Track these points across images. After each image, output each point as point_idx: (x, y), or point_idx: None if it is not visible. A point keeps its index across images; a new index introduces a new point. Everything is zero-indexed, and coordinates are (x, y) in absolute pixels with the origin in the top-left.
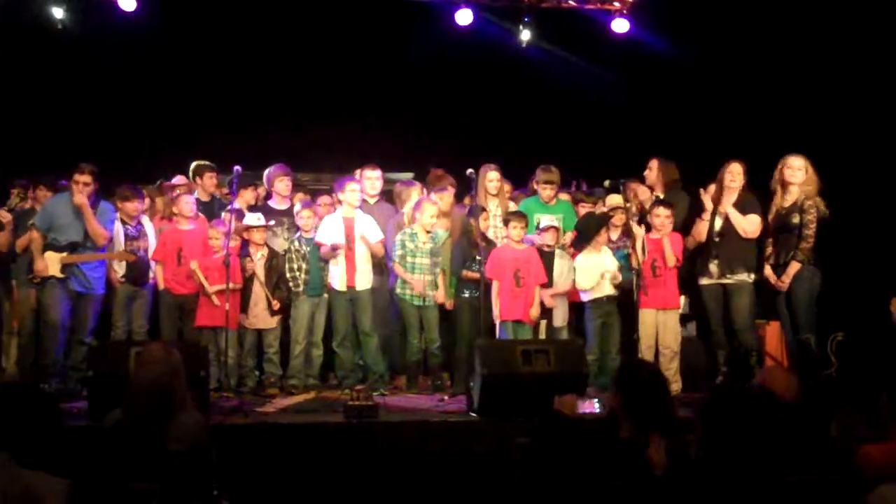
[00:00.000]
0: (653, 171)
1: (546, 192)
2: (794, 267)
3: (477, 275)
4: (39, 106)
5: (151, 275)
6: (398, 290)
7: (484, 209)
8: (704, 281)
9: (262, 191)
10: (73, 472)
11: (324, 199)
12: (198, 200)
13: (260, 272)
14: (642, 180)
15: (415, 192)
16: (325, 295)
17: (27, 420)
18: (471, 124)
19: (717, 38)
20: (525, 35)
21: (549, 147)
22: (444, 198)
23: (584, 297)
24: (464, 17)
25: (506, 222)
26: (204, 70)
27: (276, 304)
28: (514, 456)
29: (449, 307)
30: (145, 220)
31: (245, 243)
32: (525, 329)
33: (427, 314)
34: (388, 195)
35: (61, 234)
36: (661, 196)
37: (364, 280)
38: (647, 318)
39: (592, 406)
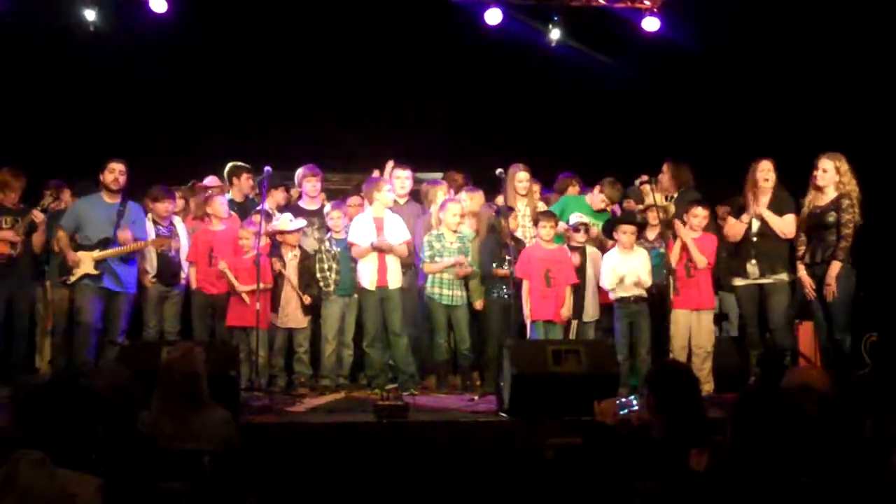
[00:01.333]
0: (665, 173)
1: (602, 204)
2: (836, 267)
3: (506, 272)
4: (71, 107)
5: (183, 275)
6: (427, 290)
7: (512, 209)
8: (740, 281)
9: (295, 192)
10: (105, 471)
11: (353, 200)
12: (231, 201)
13: (292, 273)
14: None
15: (441, 192)
16: (356, 295)
17: (66, 418)
18: (499, 124)
19: (749, 36)
20: (554, 34)
21: (578, 146)
22: (475, 198)
23: (612, 297)
24: (493, 16)
25: (535, 222)
26: (234, 71)
27: (308, 299)
28: (547, 457)
29: (478, 307)
30: (177, 220)
31: (275, 243)
32: (556, 329)
33: (456, 314)
34: (417, 195)
35: (91, 233)
36: (675, 196)
37: (395, 279)
38: (680, 319)
39: (631, 404)
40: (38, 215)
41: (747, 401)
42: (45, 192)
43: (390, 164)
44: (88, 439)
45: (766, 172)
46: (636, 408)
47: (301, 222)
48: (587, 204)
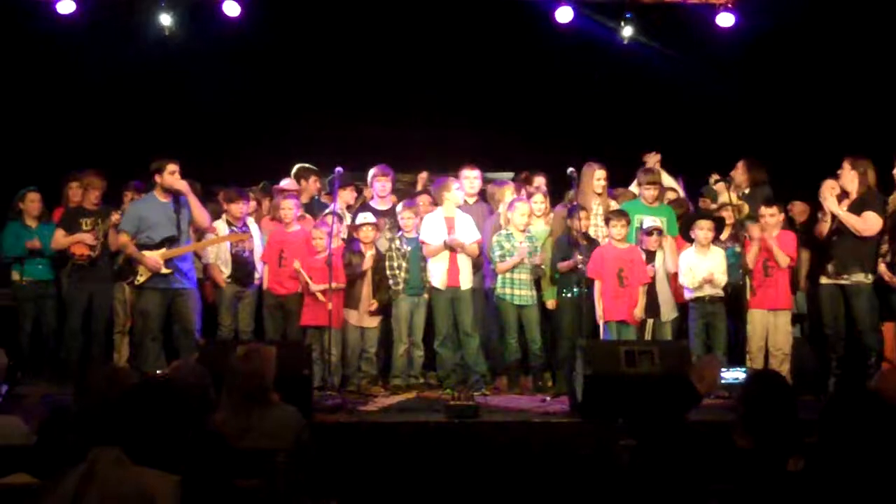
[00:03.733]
0: (739, 170)
1: (649, 192)
2: None
3: (572, 263)
4: (148, 110)
5: (257, 275)
6: (498, 290)
7: (584, 208)
8: (823, 280)
9: (369, 192)
10: (182, 469)
11: (423, 199)
12: None
13: (368, 272)
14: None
15: (508, 192)
16: (426, 294)
17: (158, 417)
18: (569, 122)
19: (827, 30)
20: (626, 31)
21: (649, 145)
22: (539, 200)
23: (687, 296)
24: (564, 14)
25: (607, 221)
26: (306, 73)
27: (374, 305)
28: (619, 458)
29: (551, 306)
30: (250, 221)
31: (348, 243)
32: (629, 329)
33: (527, 314)
34: (485, 195)
35: (154, 233)
36: (746, 192)
37: (466, 280)
38: (757, 319)
39: (738, 375)
40: (116, 217)
41: (837, 404)
42: (126, 194)
43: (424, 174)
44: (174, 439)
45: (844, 171)
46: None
47: (370, 217)
48: (643, 205)
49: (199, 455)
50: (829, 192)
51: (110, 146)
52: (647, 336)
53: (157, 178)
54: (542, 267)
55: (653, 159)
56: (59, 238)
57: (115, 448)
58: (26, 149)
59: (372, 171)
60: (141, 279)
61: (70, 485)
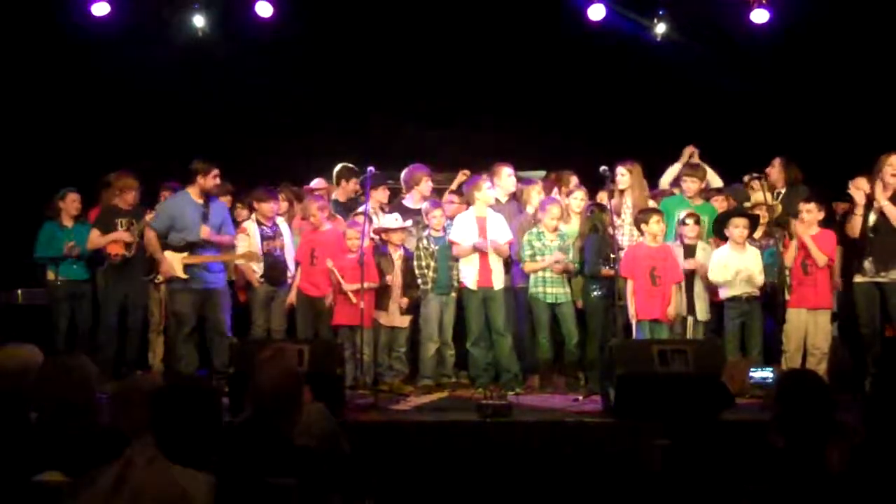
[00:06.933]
0: (775, 168)
1: (693, 186)
2: None
3: (612, 272)
4: (179, 110)
5: (290, 275)
6: (531, 289)
7: (604, 207)
8: (858, 279)
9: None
10: (215, 468)
11: (454, 198)
12: (336, 201)
13: (398, 272)
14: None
15: (535, 191)
16: (454, 294)
17: (191, 416)
18: (600, 121)
19: (864, 26)
20: (660, 28)
21: (681, 142)
22: (580, 197)
23: (722, 295)
24: (597, 12)
25: (640, 220)
26: (337, 73)
27: (405, 302)
28: (652, 458)
29: (579, 306)
30: (281, 221)
31: (377, 244)
32: (662, 328)
33: (562, 311)
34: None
35: (189, 233)
36: (782, 192)
37: (499, 280)
38: (796, 318)
39: (766, 378)
40: (150, 216)
41: (881, 403)
42: (164, 193)
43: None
44: (210, 439)
45: (894, 167)
46: (770, 381)
47: (406, 222)
48: (685, 200)
49: (233, 454)
50: (865, 184)
51: (144, 147)
52: (689, 334)
53: (201, 180)
54: (575, 266)
55: (688, 151)
56: (95, 238)
57: (151, 447)
58: (61, 151)
59: (415, 172)
60: (160, 278)
61: (106, 483)
